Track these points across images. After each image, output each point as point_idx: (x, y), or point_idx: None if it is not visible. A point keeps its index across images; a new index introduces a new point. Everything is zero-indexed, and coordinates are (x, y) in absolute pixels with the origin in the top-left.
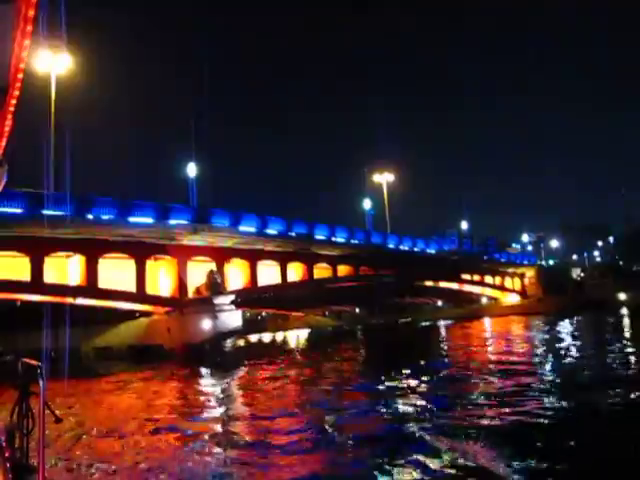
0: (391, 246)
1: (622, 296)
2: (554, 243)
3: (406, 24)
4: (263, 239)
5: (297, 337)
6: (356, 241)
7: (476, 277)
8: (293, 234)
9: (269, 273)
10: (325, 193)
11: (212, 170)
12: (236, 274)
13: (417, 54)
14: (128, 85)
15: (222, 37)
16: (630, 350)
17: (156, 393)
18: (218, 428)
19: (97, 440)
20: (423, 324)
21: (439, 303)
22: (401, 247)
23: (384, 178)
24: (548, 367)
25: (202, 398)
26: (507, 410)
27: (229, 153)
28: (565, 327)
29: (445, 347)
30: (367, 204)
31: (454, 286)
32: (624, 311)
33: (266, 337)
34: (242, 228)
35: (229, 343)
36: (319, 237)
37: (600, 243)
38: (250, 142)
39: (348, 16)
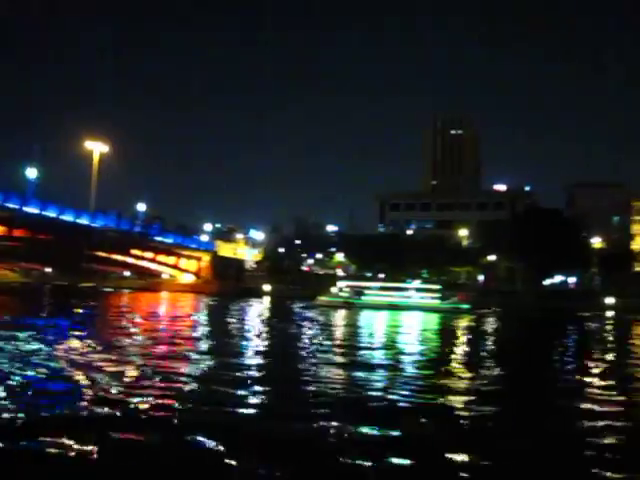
0: (52, 215)
1: (267, 287)
2: (260, 236)
3: None
4: None
5: None
6: (12, 205)
7: (148, 254)
8: None
9: None
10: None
11: None
12: None
13: None
14: None
15: None
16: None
17: None
18: None
19: None
20: (105, 290)
21: (126, 273)
22: (62, 217)
23: (97, 148)
24: None
25: None
26: None
27: None
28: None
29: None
30: (32, 173)
31: (129, 260)
32: (266, 299)
33: None
34: None
35: None
36: None
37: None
38: None
39: None
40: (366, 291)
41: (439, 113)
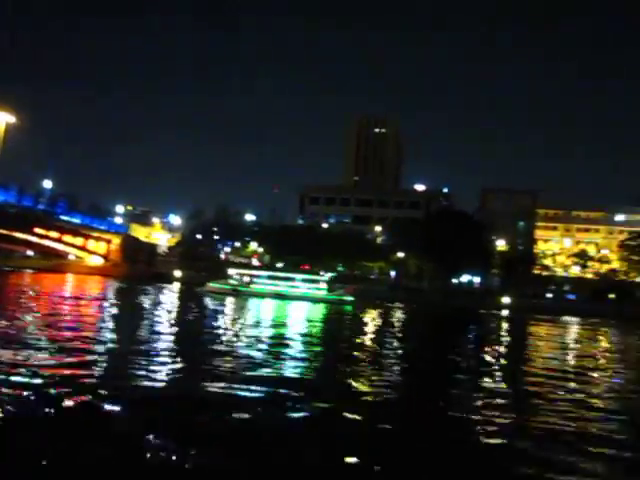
0: None
1: (178, 273)
2: (177, 221)
3: None
4: None
5: None
6: None
7: (54, 234)
8: None
9: None
10: None
11: None
12: None
13: None
14: None
15: None
16: None
17: None
18: None
19: None
20: (5, 269)
21: (30, 253)
22: None
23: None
24: None
25: None
26: None
27: None
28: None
29: None
30: None
31: (32, 239)
32: (176, 285)
33: None
34: None
35: None
36: None
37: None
38: None
39: None
40: (255, 279)
41: (364, 112)
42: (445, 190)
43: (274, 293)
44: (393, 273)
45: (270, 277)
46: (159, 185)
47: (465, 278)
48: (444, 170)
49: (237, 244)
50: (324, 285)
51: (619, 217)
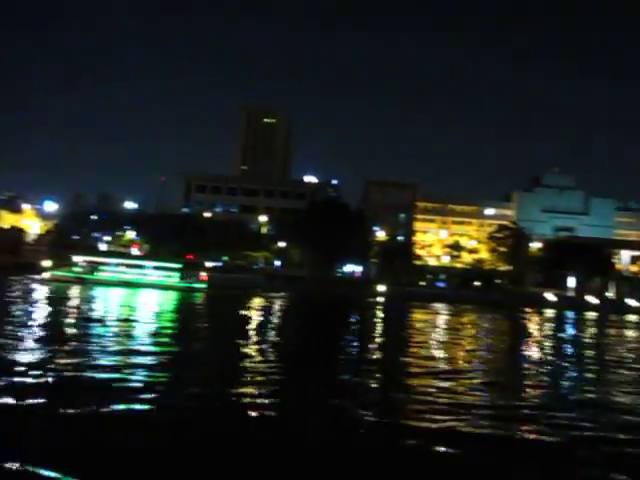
0: None
1: (47, 263)
2: (52, 207)
3: None
4: None
5: None
6: None
7: None
8: None
9: None
10: None
11: None
12: None
13: None
14: None
15: None
16: None
17: None
18: None
19: None
20: None
21: None
22: None
23: None
24: None
25: None
26: None
27: None
28: None
29: None
30: None
31: None
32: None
33: None
34: None
35: None
36: None
37: None
38: None
39: None
40: (103, 267)
41: (253, 101)
42: (334, 182)
43: (122, 281)
44: (278, 263)
45: (119, 264)
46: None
47: (350, 268)
48: (340, 163)
49: (119, 233)
50: (176, 273)
51: (489, 211)
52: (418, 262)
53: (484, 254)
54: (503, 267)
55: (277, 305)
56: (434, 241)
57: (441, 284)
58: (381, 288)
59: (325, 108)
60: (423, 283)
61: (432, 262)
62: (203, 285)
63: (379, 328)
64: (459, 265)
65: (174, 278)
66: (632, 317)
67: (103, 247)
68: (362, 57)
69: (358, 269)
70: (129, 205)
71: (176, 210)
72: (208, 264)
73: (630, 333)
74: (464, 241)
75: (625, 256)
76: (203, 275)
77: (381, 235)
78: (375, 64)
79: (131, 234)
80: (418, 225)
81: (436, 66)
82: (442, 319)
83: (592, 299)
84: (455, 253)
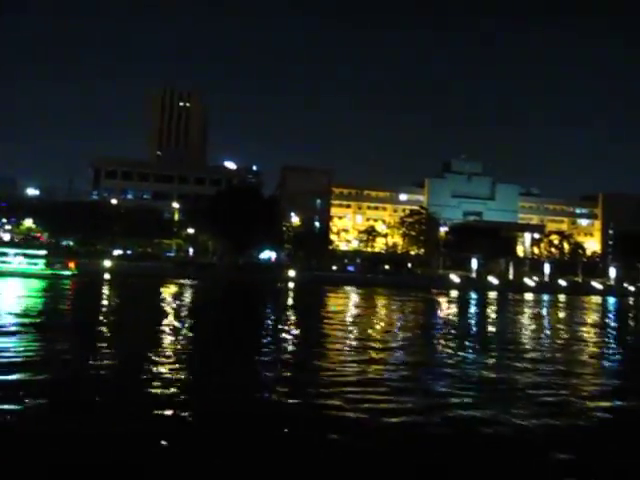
0: None
1: None
2: None
3: None
4: None
5: None
6: None
7: None
8: None
9: None
10: None
11: None
12: None
13: None
14: None
15: None
16: None
17: None
18: None
19: None
20: None
21: None
22: None
23: None
24: None
25: None
26: None
27: None
28: None
29: None
30: None
31: None
32: None
33: None
34: None
35: None
36: None
37: None
38: None
39: None
40: None
41: (168, 85)
42: (254, 168)
43: None
44: (192, 250)
45: None
46: None
47: (267, 255)
48: (264, 150)
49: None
50: (41, 260)
51: (402, 197)
52: (332, 247)
53: (397, 238)
54: (414, 251)
55: (171, 291)
56: (350, 226)
57: (351, 268)
58: (291, 273)
59: (249, 94)
60: (334, 267)
61: (347, 247)
62: (70, 272)
63: (281, 312)
64: (375, 249)
65: (39, 265)
66: (528, 296)
67: (6, 236)
68: (281, 41)
69: (274, 255)
70: (31, 192)
71: (85, 197)
72: (116, 252)
73: (519, 309)
74: (379, 226)
75: (527, 239)
76: (69, 262)
77: (295, 221)
78: (301, 49)
79: (28, 222)
80: (334, 210)
81: (356, 50)
82: (348, 301)
83: (493, 280)
84: (368, 238)
